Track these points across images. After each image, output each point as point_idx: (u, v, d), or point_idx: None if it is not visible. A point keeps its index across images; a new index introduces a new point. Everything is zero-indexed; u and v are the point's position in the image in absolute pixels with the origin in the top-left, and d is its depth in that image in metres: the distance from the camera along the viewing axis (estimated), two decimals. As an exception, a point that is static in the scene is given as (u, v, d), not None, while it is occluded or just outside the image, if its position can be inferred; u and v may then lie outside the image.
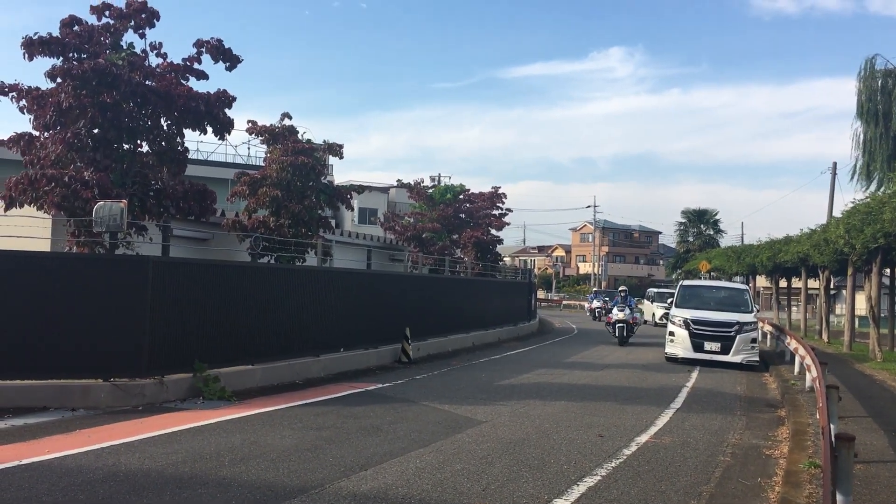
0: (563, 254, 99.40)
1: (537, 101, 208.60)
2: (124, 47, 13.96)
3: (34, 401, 9.86)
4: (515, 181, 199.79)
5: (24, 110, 13.16)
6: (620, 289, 27.89)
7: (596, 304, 43.04)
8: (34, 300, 10.16)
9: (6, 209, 12.57)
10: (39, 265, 10.49)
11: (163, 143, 14.00)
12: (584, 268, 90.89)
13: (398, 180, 38.06)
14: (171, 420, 9.51)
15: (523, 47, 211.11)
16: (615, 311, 25.74)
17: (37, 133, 13.44)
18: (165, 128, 14.05)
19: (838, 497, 4.95)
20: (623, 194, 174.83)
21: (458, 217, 34.61)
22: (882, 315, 23.33)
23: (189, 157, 15.14)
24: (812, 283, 31.53)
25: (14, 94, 13.05)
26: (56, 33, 13.28)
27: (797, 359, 16.17)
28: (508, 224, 36.47)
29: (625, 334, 25.07)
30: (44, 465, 7.12)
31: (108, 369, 10.39)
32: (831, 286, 29.48)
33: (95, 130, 13.15)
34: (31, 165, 13.19)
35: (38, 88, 13.17)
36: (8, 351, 9.96)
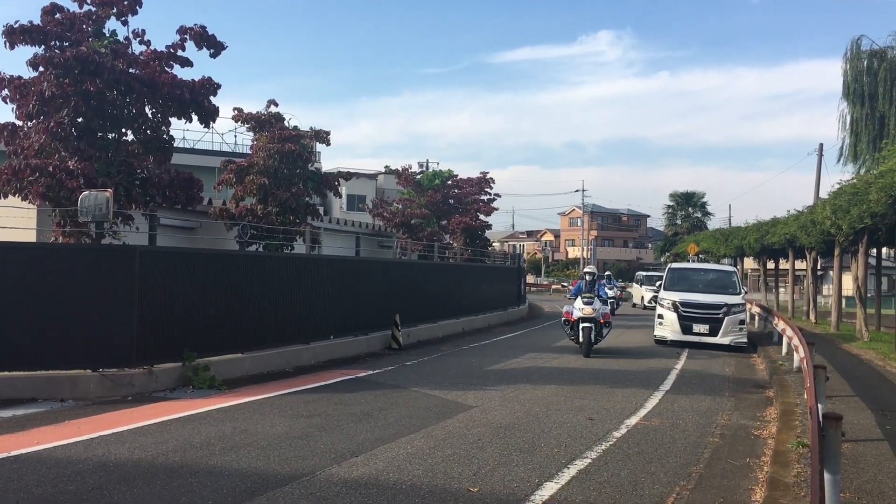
0: (552, 238, 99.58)
1: (526, 86, 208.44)
2: (107, 35, 13.82)
3: (22, 392, 9.81)
4: (505, 166, 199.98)
5: (7, 100, 13.04)
6: (586, 270, 18.44)
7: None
8: (20, 291, 10.09)
9: (-10, 200, 12.46)
10: (25, 256, 10.41)
11: (148, 132, 13.90)
12: (573, 252, 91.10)
13: (386, 167, 37.97)
14: (161, 409, 9.49)
15: (512, 31, 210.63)
16: (578, 302, 17.09)
17: (20, 123, 13.32)
18: (150, 116, 13.94)
19: (826, 476, 4.99)
20: (612, 178, 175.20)
21: (446, 203, 34.57)
22: (868, 295, 23.50)
23: (175, 145, 15.04)
24: (799, 265, 31.71)
25: (-4, 83, 12.91)
26: (37, 21, 13.12)
27: (785, 340, 16.27)
28: (497, 209, 36.50)
29: (591, 339, 16.48)
30: (32, 457, 7.09)
31: (97, 360, 10.34)
32: (818, 267, 29.66)
33: (79, 119, 13.04)
34: (14, 156, 13.07)
35: (20, 77, 13.04)
36: (-5, 342, 9.89)
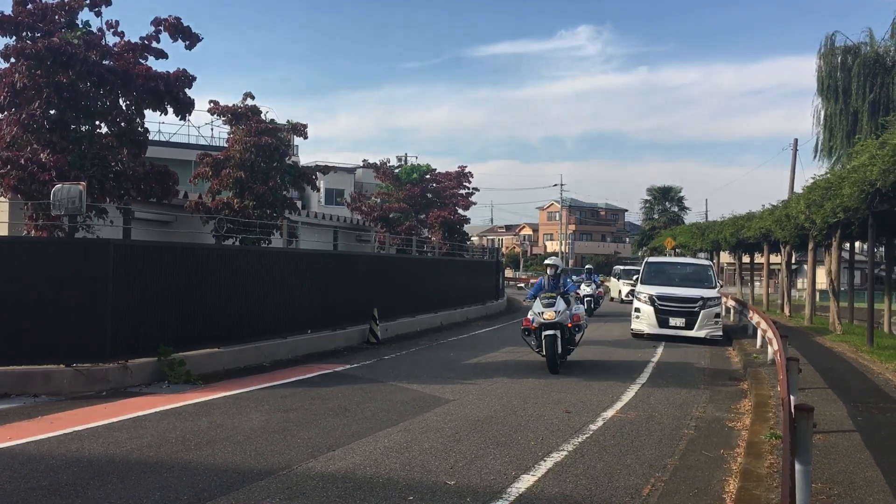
0: (531, 232, 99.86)
1: (505, 81, 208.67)
2: (80, 26, 13.64)
3: (-6, 388, 9.68)
4: (484, 161, 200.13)
5: (-23, 91, 12.81)
6: (547, 262, 14.55)
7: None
8: (-8, 285, 9.94)
9: (-39, 193, 12.28)
10: (-4, 250, 10.26)
11: (122, 124, 13.74)
12: (552, 246, 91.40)
13: (364, 160, 37.86)
14: (136, 405, 9.41)
15: (492, 25, 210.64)
16: (537, 305, 13.45)
17: (-9, 115, 13.10)
18: (124, 108, 13.79)
19: (797, 466, 5.05)
20: (590, 173, 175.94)
21: (424, 197, 34.54)
22: (842, 289, 23.80)
23: (150, 138, 14.88)
24: (774, 259, 32.02)
25: (-34, 74, 12.70)
26: (9, 11, 12.92)
27: (759, 332, 16.44)
28: (475, 203, 36.62)
29: (556, 349, 12.95)
30: (5, 452, 7.01)
31: (71, 354, 10.23)
32: (793, 261, 29.97)
33: (52, 111, 12.87)
34: (-15, 148, 12.86)
35: (-10, 69, 12.83)
36: (-34, 338, 9.75)
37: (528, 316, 13.54)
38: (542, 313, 13.13)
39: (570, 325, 13.06)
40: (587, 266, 26.23)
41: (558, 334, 12.94)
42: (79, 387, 10.08)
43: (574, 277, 23.02)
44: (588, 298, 23.31)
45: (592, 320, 23.45)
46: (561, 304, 13.06)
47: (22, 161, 12.16)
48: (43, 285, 10.17)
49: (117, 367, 10.53)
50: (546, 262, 14.13)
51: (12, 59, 12.63)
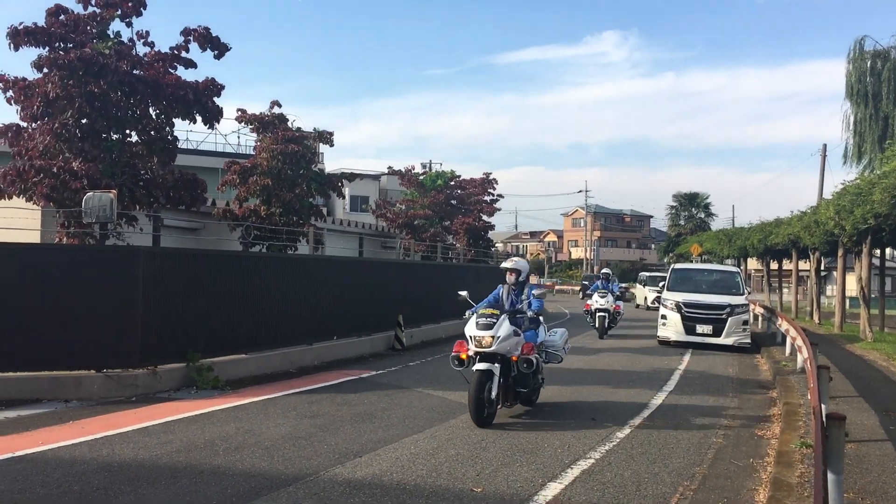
0: (555, 239, 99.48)
1: (530, 87, 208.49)
2: (111, 36, 13.85)
3: (27, 393, 9.83)
4: (509, 167, 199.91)
5: (12, 101, 13.07)
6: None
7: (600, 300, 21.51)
8: (24, 292, 10.10)
9: (-5, 201, 12.50)
10: (29, 257, 10.43)
11: (151, 133, 13.93)
12: (577, 253, 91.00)
13: (389, 167, 37.99)
14: (165, 410, 9.51)
15: (517, 32, 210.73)
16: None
17: (24, 124, 13.35)
18: (154, 117, 13.98)
19: (829, 476, 4.99)
20: (615, 179, 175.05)
21: (449, 203, 34.59)
22: (872, 296, 23.48)
23: (178, 146, 15.06)
24: (803, 265, 31.64)
25: (0, 84, 12.94)
26: (42, 23, 13.16)
27: (788, 340, 16.25)
28: (500, 210, 36.50)
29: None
30: (37, 457, 7.11)
31: (101, 360, 10.36)
32: (822, 268, 29.61)
33: (83, 120, 13.07)
34: (19, 157, 13.11)
35: (24, 79, 13.07)
36: (0, 343, 9.92)
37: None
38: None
39: (515, 357, 9.15)
40: (603, 271, 24.02)
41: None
42: (109, 392, 10.21)
43: (598, 284, 22.29)
44: (602, 314, 21.04)
45: (617, 327, 23.12)
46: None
47: (54, 169, 12.36)
48: (74, 292, 10.32)
49: (147, 372, 10.65)
50: (504, 264, 10.20)
51: (45, 70, 12.86)
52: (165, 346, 10.97)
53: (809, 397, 10.44)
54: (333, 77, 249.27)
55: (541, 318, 10.07)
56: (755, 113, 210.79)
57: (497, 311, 9.30)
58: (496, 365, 8.91)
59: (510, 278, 9.95)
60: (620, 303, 22.64)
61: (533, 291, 9.79)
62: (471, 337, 9.12)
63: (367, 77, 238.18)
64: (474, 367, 8.91)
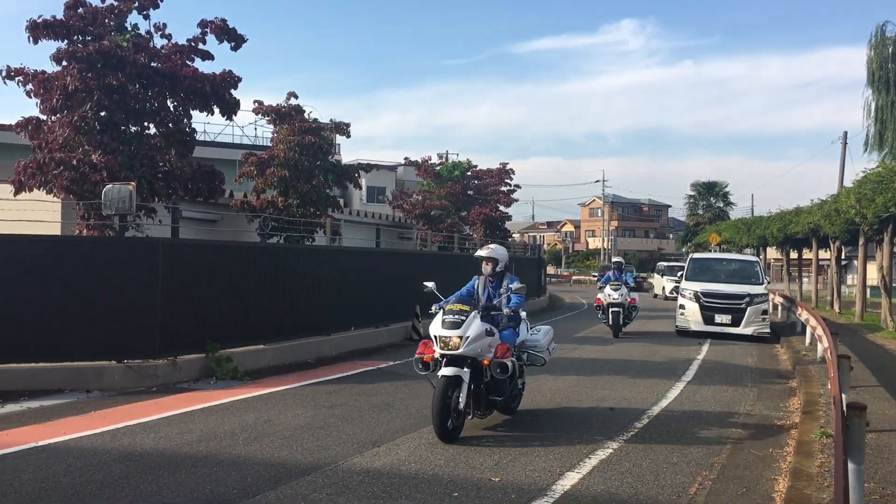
0: (573, 229, 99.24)
1: (547, 76, 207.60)
2: (129, 29, 13.90)
3: (49, 383, 9.96)
4: (526, 157, 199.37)
5: (31, 94, 13.14)
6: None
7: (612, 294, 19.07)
8: (46, 284, 10.21)
9: (15, 193, 12.62)
10: (51, 249, 10.53)
11: (170, 125, 13.99)
12: (594, 243, 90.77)
13: (406, 158, 37.99)
14: (185, 400, 9.59)
15: (533, 21, 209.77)
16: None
17: (44, 117, 13.44)
18: (172, 109, 14.03)
19: (850, 465, 4.95)
20: (633, 169, 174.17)
21: (466, 194, 34.58)
22: (894, 285, 23.22)
23: (196, 138, 15.12)
24: (823, 254, 31.36)
25: (20, 78, 13.04)
26: (60, 16, 13.24)
27: (808, 329, 16.14)
28: (517, 200, 36.48)
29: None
30: (60, 447, 7.20)
31: (122, 351, 10.47)
32: (842, 256, 29.32)
33: (102, 113, 13.14)
34: (39, 150, 13.21)
35: (43, 72, 13.16)
36: (22, 334, 10.03)
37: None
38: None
39: (486, 362, 7.91)
40: (615, 259, 21.44)
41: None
42: (129, 382, 10.31)
43: (610, 275, 19.50)
44: (615, 310, 18.43)
45: (637, 316, 22.84)
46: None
47: (74, 162, 12.45)
48: (95, 283, 10.41)
49: (167, 363, 10.74)
50: (478, 252, 9.01)
51: (64, 63, 12.93)
52: (185, 337, 11.05)
53: (830, 387, 10.37)
54: (350, 68, 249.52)
55: (523, 314, 9.03)
56: (775, 101, 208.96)
57: (467, 308, 8.00)
58: (465, 370, 7.70)
59: (486, 269, 8.76)
60: (636, 294, 20.20)
61: (511, 285, 8.52)
62: (436, 337, 7.85)
63: (384, 68, 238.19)
64: (440, 373, 7.72)
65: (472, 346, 7.71)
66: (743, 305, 18.64)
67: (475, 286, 8.85)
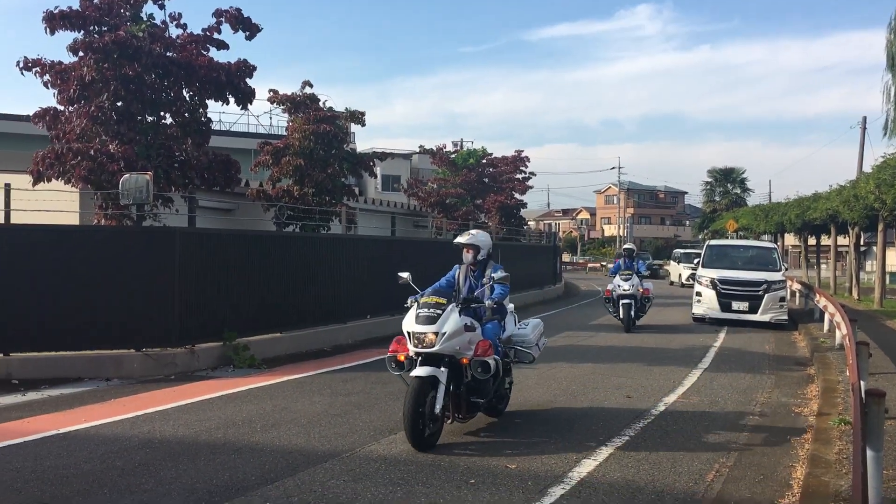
0: (588, 216, 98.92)
1: (563, 63, 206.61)
2: (144, 18, 13.93)
3: (69, 371, 10.07)
4: (541, 145, 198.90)
5: (48, 85, 13.22)
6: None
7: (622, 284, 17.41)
8: (65, 273, 10.30)
9: (34, 184, 12.71)
10: (69, 239, 10.64)
11: (185, 115, 14.03)
12: (610, 230, 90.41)
13: (420, 146, 37.94)
14: (203, 388, 9.67)
15: (549, 7, 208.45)
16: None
17: (61, 107, 13.52)
18: (188, 99, 14.07)
19: (869, 452, 4.93)
20: (649, 155, 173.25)
21: (481, 182, 34.50)
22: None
23: (212, 127, 15.17)
24: (841, 241, 31.12)
25: (38, 69, 13.12)
26: (77, 6, 13.29)
27: (826, 316, 16.02)
28: (532, 188, 36.35)
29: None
30: (81, 434, 7.29)
31: (140, 340, 10.56)
32: (861, 243, 29.11)
33: (119, 103, 13.21)
34: (57, 140, 13.30)
35: (60, 63, 13.23)
36: (42, 323, 10.14)
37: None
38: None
39: (465, 360, 7.16)
40: (626, 246, 19.53)
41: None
42: (148, 371, 10.41)
43: (620, 263, 17.86)
44: (626, 302, 16.76)
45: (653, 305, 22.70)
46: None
47: (91, 152, 12.53)
48: (113, 273, 10.50)
49: (185, 351, 10.82)
50: (458, 239, 8.37)
51: (80, 53, 13.00)
52: (202, 326, 11.13)
53: (848, 374, 10.30)
54: (364, 57, 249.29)
55: (510, 306, 8.47)
56: (794, 85, 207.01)
57: (444, 300, 7.25)
58: (442, 370, 6.95)
59: (467, 256, 8.09)
60: (650, 284, 18.30)
61: (494, 274, 7.76)
62: (409, 333, 7.12)
63: (398, 56, 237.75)
64: (622, 302, 7.61)
65: (450, 342, 6.97)
66: (760, 292, 18.53)
67: (455, 276, 8.22)
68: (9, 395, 9.02)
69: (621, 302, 16.85)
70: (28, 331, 10.07)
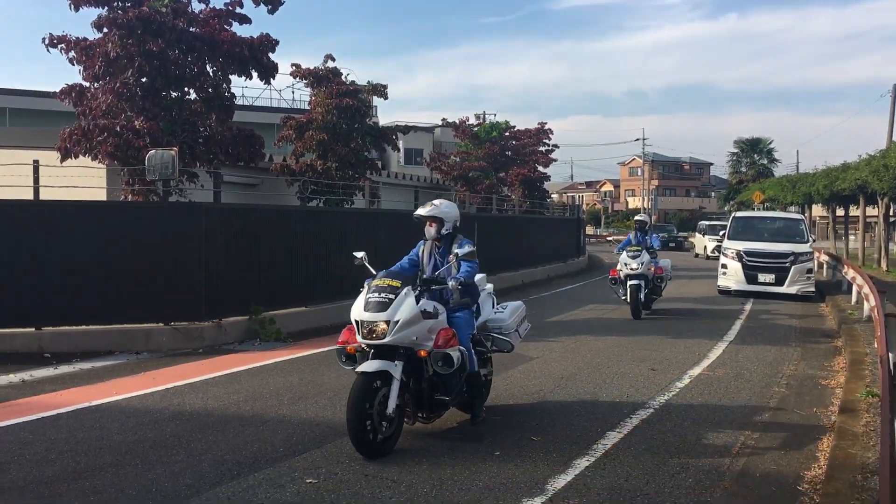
0: (612, 189, 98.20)
1: (587, 33, 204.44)
2: (167, -7, 13.97)
3: (99, 345, 10.25)
4: (565, 116, 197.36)
5: (74, 62, 13.33)
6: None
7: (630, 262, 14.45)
8: (94, 248, 10.44)
9: (62, 160, 12.86)
10: (98, 214, 10.77)
11: (209, 90, 14.09)
12: (634, 202, 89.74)
13: (443, 119, 37.80)
14: (231, 361, 9.80)
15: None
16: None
17: (87, 84, 13.63)
18: (211, 74, 14.12)
19: (897, 425, 4.90)
20: (674, 126, 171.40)
21: (504, 155, 34.37)
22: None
23: (235, 102, 15.22)
24: (870, 211, 30.67)
25: (63, 45, 13.21)
26: (100, -18, 13.34)
27: (854, 288, 15.87)
28: (556, 160, 36.15)
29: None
30: (112, 406, 7.43)
31: (168, 314, 10.71)
32: (891, 213, 28.64)
33: (143, 79, 13.29)
34: (83, 116, 13.44)
35: (85, 39, 13.31)
36: (73, 298, 10.30)
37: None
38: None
39: (423, 353, 6.10)
40: (637, 217, 16.15)
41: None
42: (177, 344, 10.56)
43: (630, 238, 15.17)
44: (635, 283, 14.13)
45: (675, 277, 22.60)
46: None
47: (117, 128, 12.65)
48: (141, 248, 10.62)
49: (212, 325, 10.96)
50: (418, 212, 7.11)
51: (105, 30, 13.07)
52: (229, 300, 11.26)
53: (876, 346, 10.21)
54: (386, 29, 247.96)
55: (489, 286, 7.75)
56: (823, 53, 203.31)
57: (397, 283, 6.25)
58: (396, 364, 5.92)
59: (429, 231, 6.97)
60: (667, 262, 15.77)
61: (459, 250, 6.59)
62: (357, 322, 6.08)
63: (421, 28, 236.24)
64: (358, 369, 5.94)
65: (405, 332, 5.92)
66: (787, 264, 18.36)
67: (420, 254, 7.11)
68: (41, 368, 9.21)
69: (629, 283, 14.18)
70: (59, 305, 10.24)
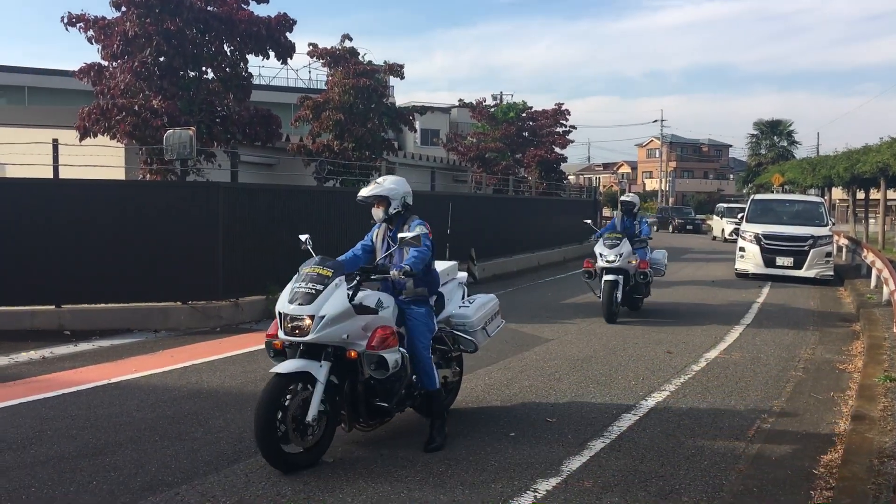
0: (629, 170, 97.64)
1: (606, 13, 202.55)
2: (184, -28, 13.96)
3: (119, 323, 10.35)
4: (582, 97, 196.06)
5: (92, 40, 13.38)
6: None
7: (606, 253, 11.79)
8: (115, 227, 10.50)
9: (81, 139, 12.94)
10: (116, 193, 10.83)
11: (227, 69, 14.11)
12: (651, 184, 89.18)
13: (460, 100, 37.60)
14: (248, 340, 9.87)
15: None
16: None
17: (105, 63, 13.68)
18: (228, 53, 14.13)
19: (915, 411, 4.88)
20: (693, 108, 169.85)
21: (520, 136, 34.17)
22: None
23: (252, 82, 15.23)
24: (891, 195, 30.38)
25: (82, 24, 13.26)
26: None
27: (874, 272, 15.72)
28: (573, 142, 35.92)
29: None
30: (132, 384, 7.51)
31: (187, 293, 10.79)
32: (912, 197, 28.34)
33: (161, 58, 13.32)
34: (101, 95, 13.50)
35: (103, 18, 13.35)
36: (92, 276, 10.39)
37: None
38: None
39: (354, 354, 5.28)
40: (623, 198, 12.88)
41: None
42: (194, 323, 10.64)
43: (614, 222, 12.93)
44: (611, 279, 11.56)
45: (691, 260, 22.55)
46: (336, 298, 5.22)
47: (135, 108, 12.70)
48: (159, 227, 10.68)
49: (229, 304, 11.03)
50: (361, 193, 6.21)
51: (123, 8, 13.10)
52: (246, 280, 11.32)
53: (895, 330, 10.16)
54: (404, 8, 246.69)
55: (462, 275, 7.01)
56: (846, 34, 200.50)
57: (329, 272, 5.43)
58: (322, 365, 5.15)
59: (377, 213, 6.05)
60: (659, 254, 13.33)
61: (402, 235, 5.61)
62: (280, 315, 5.27)
63: (438, 7, 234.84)
64: (273, 369, 5.16)
65: (331, 329, 5.12)
66: (806, 247, 18.21)
67: (372, 238, 6.27)
68: (62, 345, 9.32)
69: (604, 279, 11.64)
70: (79, 283, 10.33)
